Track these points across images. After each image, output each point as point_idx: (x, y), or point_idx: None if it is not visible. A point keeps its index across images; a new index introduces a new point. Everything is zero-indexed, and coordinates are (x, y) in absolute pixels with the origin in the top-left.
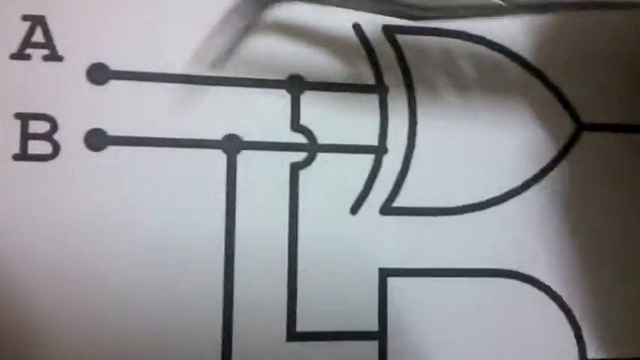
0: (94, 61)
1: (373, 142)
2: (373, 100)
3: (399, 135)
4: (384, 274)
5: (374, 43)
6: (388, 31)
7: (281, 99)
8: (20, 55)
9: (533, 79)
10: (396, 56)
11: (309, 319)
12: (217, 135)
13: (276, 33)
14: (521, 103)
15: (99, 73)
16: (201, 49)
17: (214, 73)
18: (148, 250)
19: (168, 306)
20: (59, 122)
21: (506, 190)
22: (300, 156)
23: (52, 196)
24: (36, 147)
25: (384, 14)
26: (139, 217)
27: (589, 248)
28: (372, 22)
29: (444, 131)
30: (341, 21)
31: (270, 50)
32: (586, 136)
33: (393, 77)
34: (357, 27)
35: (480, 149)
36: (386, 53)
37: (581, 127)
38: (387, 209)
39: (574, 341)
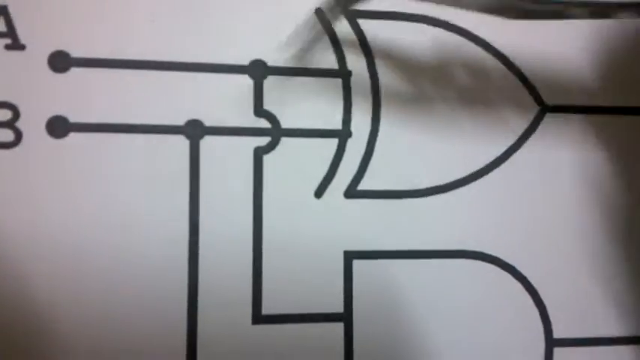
0: (56, 49)
1: (337, 126)
2: (336, 84)
3: (363, 119)
4: (349, 256)
5: (336, 27)
6: (350, 15)
7: (244, 84)
8: None
9: (497, 62)
10: (359, 40)
11: (275, 302)
12: (180, 121)
13: (237, 18)
14: (485, 85)
15: (60, 61)
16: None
17: (174, 59)
18: (112, 235)
19: (133, 290)
20: (21, 110)
21: (470, 172)
22: (263, 141)
23: (15, 182)
24: None
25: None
26: (103, 202)
27: (552, 229)
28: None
29: (407, 115)
30: (303, 6)
31: (233, 35)
32: (549, 117)
33: (356, 61)
34: (319, 12)
35: (443, 132)
36: (348, 38)
37: (544, 108)
38: (351, 192)
39: (540, 321)
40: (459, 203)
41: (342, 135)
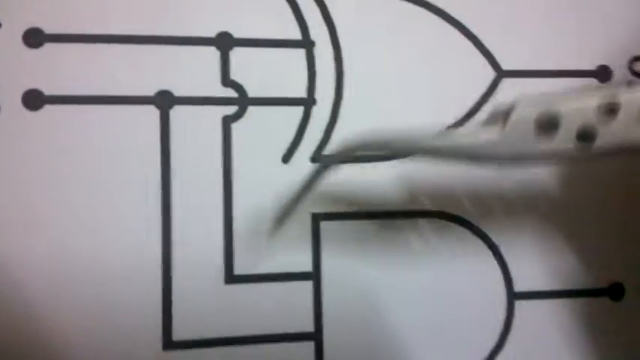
0: (30, 26)
1: (302, 94)
2: (300, 54)
3: (327, 87)
4: (317, 218)
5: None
6: None
7: (211, 55)
8: None
9: (453, 29)
10: (321, 12)
11: (246, 263)
12: (150, 91)
13: None
14: (442, 52)
15: (34, 37)
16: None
17: (143, 33)
18: (85, 203)
19: (107, 256)
20: None
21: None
22: (231, 109)
23: None
24: None
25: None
26: (76, 171)
27: (510, 187)
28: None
29: (369, 83)
30: None
31: (200, 9)
32: (506, 82)
33: (319, 32)
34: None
35: (403, 98)
36: (311, 8)
37: (500, 73)
38: (317, 157)
39: (501, 276)
40: (421, 166)
41: (307, 103)
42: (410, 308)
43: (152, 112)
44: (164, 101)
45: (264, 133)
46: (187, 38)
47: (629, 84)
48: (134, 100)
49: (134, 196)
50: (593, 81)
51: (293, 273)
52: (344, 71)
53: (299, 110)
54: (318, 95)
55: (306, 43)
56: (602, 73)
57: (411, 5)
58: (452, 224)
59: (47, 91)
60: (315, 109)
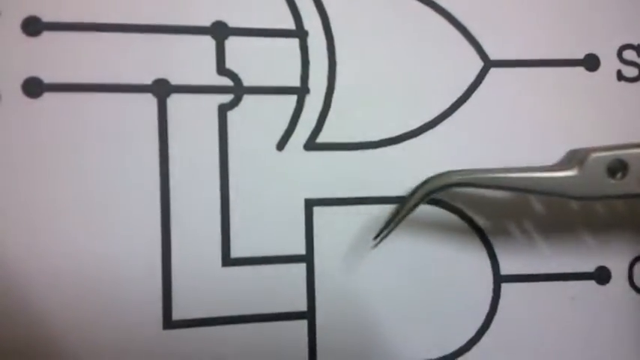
0: (28, 14)
1: (295, 83)
2: (294, 43)
3: (320, 76)
4: (310, 204)
5: None
6: None
7: (206, 44)
8: None
9: (441, 19)
10: (314, 1)
11: (242, 246)
12: (147, 80)
13: None
14: (431, 42)
15: (33, 26)
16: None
17: (140, 22)
18: (86, 190)
19: (107, 244)
20: None
21: (419, 125)
22: (227, 98)
23: None
24: None
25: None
26: (75, 157)
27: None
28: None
29: (360, 72)
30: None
31: None
32: (494, 72)
33: (312, 22)
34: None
35: (394, 88)
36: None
37: (488, 63)
38: (310, 145)
39: (488, 259)
40: (409, 154)
41: (301, 92)
42: (399, 289)
43: (149, 100)
44: (161, 89)
45: (259, 121)
46: (183, 27)
47: (619, 73)
48: (132, 89)
49: (133, 182)
50: (581, 70)
51: (287, 255)
52: (336, 60)
53: (293, 99)
54: (311, 84)
55: (299, 32)
56: (590, 62)
57: None
58: (440, 209)
59: (47, 79)
60: (308, 98)
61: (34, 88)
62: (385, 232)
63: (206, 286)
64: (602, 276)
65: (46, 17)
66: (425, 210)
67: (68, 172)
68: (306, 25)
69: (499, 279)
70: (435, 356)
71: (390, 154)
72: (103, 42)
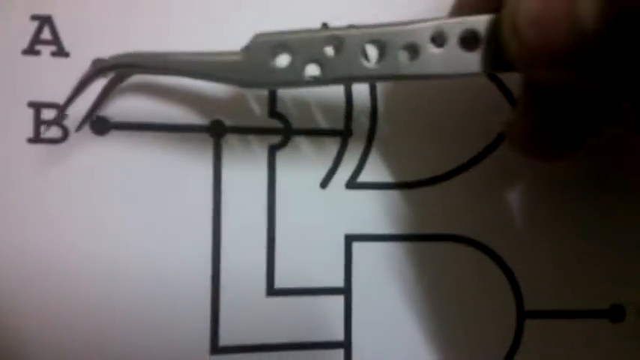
0: (96, 55)
1: (340, 126)
2: (339, 89)
3: (362, 120)
4: (350, 239)
5: None
6: None
7: (259, 89)
8: (31, 50)
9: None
10: None
11: (286, 277)
12: (205, 121)
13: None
14: (466, 88)
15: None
16: None
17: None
18: (145, 222)
19: (163, 270)
20: (68, 110)
21: (454, 167)
22: (276, 139)
23: (63, 175)
24: (48, 132)
25: None
26: (138, 192)
27: (525, 214)
28: (338, 20)
29: (401, 116)
30: (310, 19)
31: None
32: None
33: None
34: (325, 25)
35: (431, 132)
36: None
37: None
38: (352, 184)
39: (512, 296)
40: (445, 194)
41: (344, 134)
42: (428, 323)
43: (206, 140)
44: (217, 130)
45: (305, 160)
46: None
47: None
48: (190, 129)
49: (188, 216)
50: None
51: (327, 288)
52: (378, 105)
53: (337, 140)
54: (354, 127)
55: None
56: None
57: None
58: (470, 247)
59: (113, 117)
60: (351, 140)
61: (101, 126)
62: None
63: (251, 314)
64: (615, 314)
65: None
66: (458, 248)
67: (128, 205)
68: None
69: (523, 315)
70: None
71: (426, 194)
72: (166, 84)
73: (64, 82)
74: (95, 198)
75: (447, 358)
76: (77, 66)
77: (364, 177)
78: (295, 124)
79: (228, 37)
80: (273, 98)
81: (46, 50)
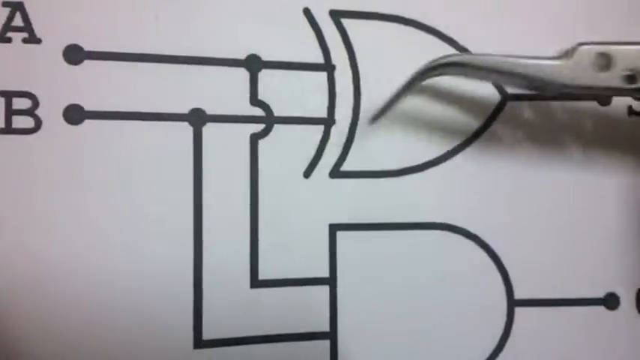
0: (70, 42)
1: (323, 114)
2: (322, 77)
3: (345, 107)
4: (334, 229)
5: (322, 25)
6: (334, 14)
7: (240, 76)
8: (2, 38)
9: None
10: (342, 38)
11: (270, 269)
12: (184, 109)
13: (236, 16)
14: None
15: (74, 54)
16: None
17: (179, 54)
18: (122, 214)
19: (143, 264)
20: (40, 99)
21: (438, 155)
22: (258, 127)
23: (35, 166)
24: (19, 122)
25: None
26: (114, 183)
27: (514, 202)
28: (320, 7)
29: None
30: (292, 6)
31: (231, 31)
32: (510, 105)
33: (339, 57)
34: (307, 11)
35: (415, 120)
36: (333, 35)
37: (506, 96)
38: (335, 173)
39: (502, 284)
40: (429, 182)
41: (327, 122)
42: (417, 312)
43: (186, 129)
44: (197, 119)
45: (287, 149)
46: (219, 59)
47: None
48: (169, 117)
49: (168, 206)
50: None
51: (312, 278)
52: (361, 93)
53: (320, 129)
54: (337, 115)
55: (327, 66)
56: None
57: (422, 33)
58: (456, 235)
59: (87, 106)
60: (334, 128)
61: (75, 115)
62: (382, 110)
63: (235, 307)
64: (611, 302)
65: (88, 46)
66: (443, 236)
67: (106, 197)
68: (334, 60)
69: (513, 303)
70: None
71: (410, 182)
72: (143, 72)
73: (36, 70)
74: (70, 190)
75: (435, 348)
76: (49, 53)
77: (348, 166)
78: (277, 112)
79: (202, 24)
80: (254, 85)
81: (17, 37)
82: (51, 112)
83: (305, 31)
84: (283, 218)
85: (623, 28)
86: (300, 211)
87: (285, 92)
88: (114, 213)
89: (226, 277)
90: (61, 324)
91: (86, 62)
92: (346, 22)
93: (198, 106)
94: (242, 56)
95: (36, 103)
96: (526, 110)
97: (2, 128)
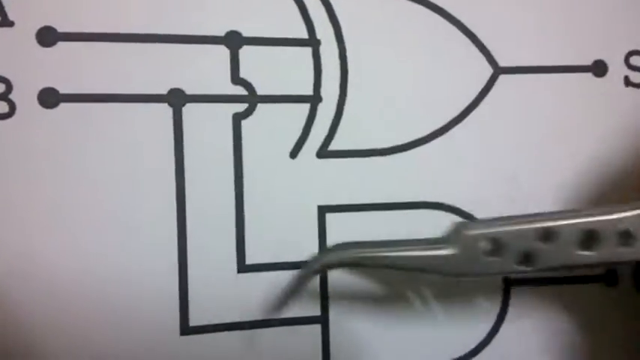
0: (43, 25)
1: (308, 91)
2: (307, 52)
3: (332, 84)
4: (323, 210)
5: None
6: None
7: (221, 54)
8: None
9: (451, 26)
10: (327, 11)
11: (257, 253)
12: (163, 90)
13: None
14: (441, 49)
15: (48, 36)
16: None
17: (155, 32)
18: (101, 199)
19: (126, 250)
20: (14, 83)
21: (429, 132)
22: (241, 107)
23: (11, 151)
24: None
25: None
26: (92, 167)
27: (504, 178)
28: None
29: (372, 80)
30: None
31: (209, 7)
32: (503, 78)
33: (324, 31)
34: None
35: (404, 95)
36: (317, 8)
37: (497, 70)
38: (323, 153)
39: None
40: (420, 160)
41: (313, 100)
42: (409, 292)
43: (165, 110)
44: (177, 99)
45: (272, 129)
46: (198, 37)
47: (626, 80)
48: (147, 99)
49: (149, 190)
50: (589, 76)
51: (301, 262)
52: (348, 69)
53: (305, 107)
54: (323, 92)
55: (312, 41)
56: (598, 68)
57: (411, 3)
58: (448, 214)
59: (62, 89)
60: (320, 106)
61: (50, 98)
62: (282, 303)
63: (222, 292)
64: (610, 278)
65: (61, 28)
66: (436, 215)
67: (84, 181)
68: (319, 34)
69: (509, 282)
70: None
71: (401, 160)
72: (118, 52)
73: (8, 53)
74: (47, 176)
75: (429, 332)
76: (22, 35)
77: (336, 145)
78: (260, 90)
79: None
80: (235, 63)
81: None
82: (25, 96)
83: (287, 5)
84: (270, 201)
85: None
86: (288, 193)
87: (268, 69)
88: (90, 199)
89: (212, 263)
90: (39, 311)
91: (60, 44)
92: None
93: (178, 86)
94: (221, 33)
95: (9, 87)
96: (519, 82)
97: None
